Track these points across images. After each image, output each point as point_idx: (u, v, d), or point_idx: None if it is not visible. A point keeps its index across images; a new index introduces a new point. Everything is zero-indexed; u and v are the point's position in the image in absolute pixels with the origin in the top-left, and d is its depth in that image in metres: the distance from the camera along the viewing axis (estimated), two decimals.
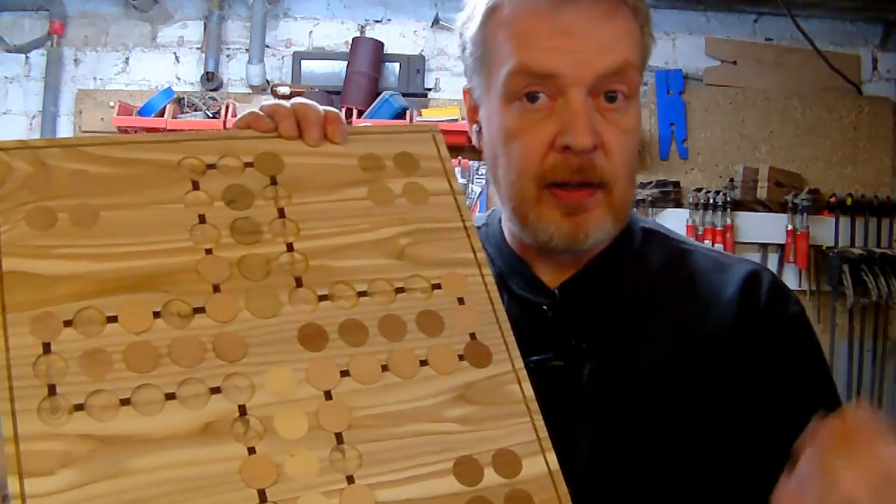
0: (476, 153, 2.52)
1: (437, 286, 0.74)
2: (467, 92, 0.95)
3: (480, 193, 3.05)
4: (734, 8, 3.19)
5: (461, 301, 0.75)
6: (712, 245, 3.00)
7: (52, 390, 0.59)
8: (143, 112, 2.93)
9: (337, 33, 3.18)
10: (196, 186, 0.72)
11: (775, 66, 3.18)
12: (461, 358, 0.72)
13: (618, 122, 0.85)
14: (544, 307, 0.91)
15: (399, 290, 0.73)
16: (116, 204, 0.69)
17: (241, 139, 0.76)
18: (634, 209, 1.00)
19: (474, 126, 0.94)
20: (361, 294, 0.72)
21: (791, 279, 3.09)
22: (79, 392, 0.59)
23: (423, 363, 0.70)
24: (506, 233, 0.97)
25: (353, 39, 3.09)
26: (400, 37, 3.15)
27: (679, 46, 3.21)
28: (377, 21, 3.19)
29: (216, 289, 0.67)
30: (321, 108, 0.79)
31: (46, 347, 0.60)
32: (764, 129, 3.14)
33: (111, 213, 0.68)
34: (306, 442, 0.63)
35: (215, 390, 0.63)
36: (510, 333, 0.75)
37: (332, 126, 0.78)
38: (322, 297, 0.70)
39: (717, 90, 3.16)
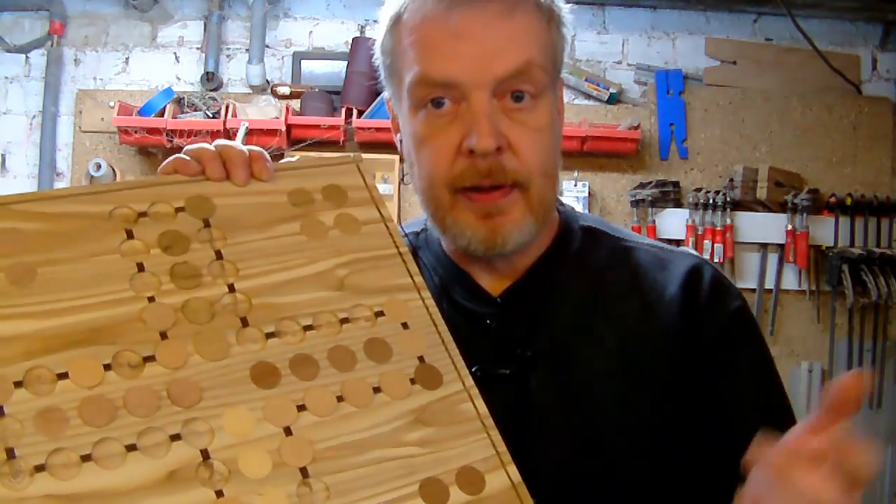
0: None
1: (381, 313, 0.76)
2: (388, 102, 0.94)
3: None
4: (734, 8, 3.18)
5: (405, 326, 0.76)
6: (712, 245, 3.01)
7: (10, 454, 0.58)
8: (143, 112, 2.93)
9: (337, 33, 3.18)
10: (130, 235, 0.72)
11: (775, 66, 3.18)
12: (412, 382, 0.73)
13: (526, 122, 0.84)
14: (488, 321, 0.90)
15: (344, 321, 0.74)
16: (53, 259, 0.68)
17: (169, 185, 0.76)
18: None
19: (398, 135, 0.93)
20: (307, 328, 0.72)
21: (791, 279, 3.10)
22: (38, 452, 0.58)
23: (377, 390, 0.71)
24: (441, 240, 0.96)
25: (353, 39, 3.08)
26: None
27: (679, 46, 3.21)
28: (377, 21, 3.18)
29: (163, 336, 0.67)
30: (245, 147, 0.80)
31: (0, 411, 0.59)
32: (764, 129, 3.14)
33: (48, 268, 0.67)
34: (272, 480, 0.63)
35: (175, 437, 0.62)
36: (457, 353, 0.76)
37: (257, 164, 0.79)
38: (269, 335, 0.71)
39: (716, 90, 3.16)
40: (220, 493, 0.61)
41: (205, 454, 0.62)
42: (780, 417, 0.89)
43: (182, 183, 0.77)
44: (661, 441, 0.87)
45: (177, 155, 0.78)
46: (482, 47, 0.81)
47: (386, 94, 0.93)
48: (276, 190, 0.79)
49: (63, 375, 0.62)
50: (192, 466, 0.61)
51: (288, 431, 0.66)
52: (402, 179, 3.03)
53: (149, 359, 0.66)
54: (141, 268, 0.70)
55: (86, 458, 0.59)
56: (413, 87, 0.84)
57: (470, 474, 0.68)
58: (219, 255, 0.73)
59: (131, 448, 0.61)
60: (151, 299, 0.69)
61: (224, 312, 0.70)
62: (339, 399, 0.69)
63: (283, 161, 0.82)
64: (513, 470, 0.69)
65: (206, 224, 0.75)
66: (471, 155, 0.82)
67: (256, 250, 0.75)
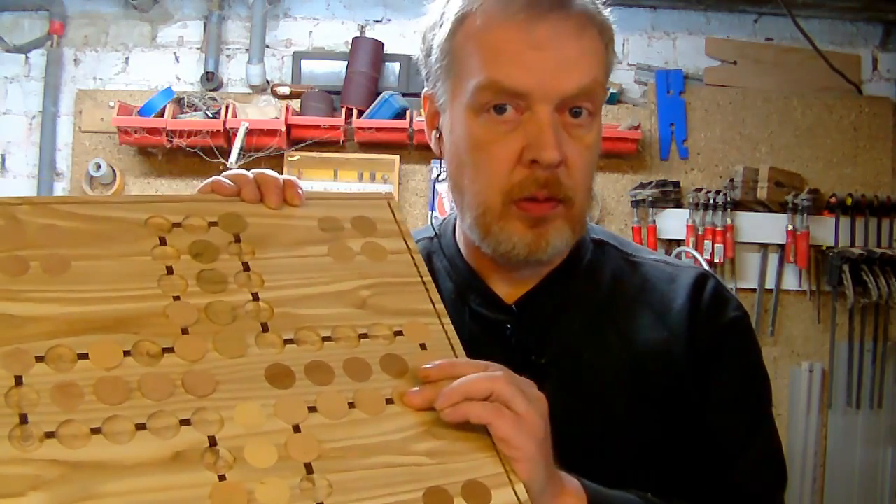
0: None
1: (400, 333, 0.77)
2: (428, 98, 0.94)
3: None
4: (734, 8, 3.18)
5: (423, 346, 0.77)
6: (712, 246, 3.01)
7: (23, 419, 0.60)
8: (142, 112, 2.92)
9: (337, 33, 3.18)
10: (163, 242, 0.75)
11: (775, 66, 3.17)
12: None
13: (581, 138, 0.85)
14: (508, 325, 0.91)
15: (363, 336, 0.75)
16: (86, 255, 0.71)
17: (206, 202, 0.80)
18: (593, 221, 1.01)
19: (434, 132, 0.94)
20: (326, 339, 0.74)
21: (791, 279, 3.09)
22: (50, 421, 0.61)
23: (389, 401, 0.72)
24: (461, 245, 0.97)
25: (353, 39, 3.08)
26: (400, 37, 3.15)
27: (679, 46, 3.20)
28: (377, 21, 3.19)
29: (184, 331, 0.70)
30: (280, 176, 0.83)
31: (18, 380, 0.62)
32: (764, 129, 3.14)
33: (81, 262, 0.71)
34: (276, 471, 0.64)
35: (185, 422, 0.64)
36: None
37: (290, 190, 0.82)
38: (288, 341, 0.72)
39: (717, 90, 3.15)
40: (222, 478, 0.62)
41: (212, 440, 0.64)
42: (756, 431, 0.92)
43: (218, 202, 0.80)
44: (668, 450, 0.89)
45: (215, 177, 0.82)
46: (555, 61, 0.82)
47: (427, 90, 0.94)
48: (307, 215, 0.83)
49: (83, 356, 0.65)
50: (198, 450, 0.63)
51: (297, 429, 0.67)
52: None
53: (168, 350, 0.68)
54: (170, 270, 0.73)
55: (95, 431, 0.61)
56: (478, 90, 0.83)
57: (476, 487, 0.68)
58: (246, 267, 0.76)
59: (141, 427, 0.63)
60: (177, 298, 0.72)
61: (246, 317, 0.73)
62: (351, 405, 0.70)
63: (314, 191, 0.86)
64: (521, 489, 0.69)
65: (237, 239, 0.78)
66: (531, 165, 0.83)
67: (283, 266, 0.78)
